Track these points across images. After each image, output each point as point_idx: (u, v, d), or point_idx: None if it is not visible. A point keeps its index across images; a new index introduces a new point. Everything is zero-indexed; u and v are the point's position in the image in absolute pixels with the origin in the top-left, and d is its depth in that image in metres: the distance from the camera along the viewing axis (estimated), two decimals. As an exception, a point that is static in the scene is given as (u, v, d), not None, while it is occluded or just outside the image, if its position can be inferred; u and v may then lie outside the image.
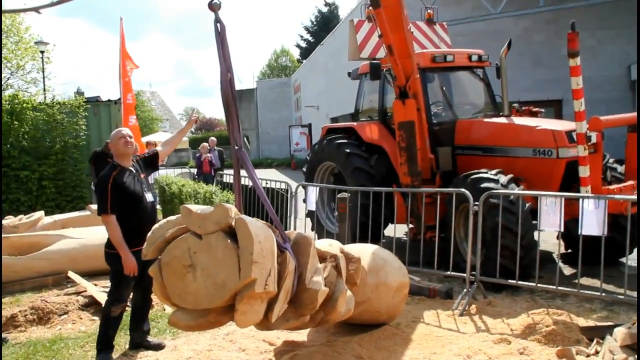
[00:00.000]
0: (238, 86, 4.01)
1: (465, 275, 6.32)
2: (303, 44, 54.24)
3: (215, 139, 16.98)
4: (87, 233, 7.87)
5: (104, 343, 4.89)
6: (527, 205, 6.47)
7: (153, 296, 6.50)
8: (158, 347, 5.12)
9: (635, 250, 7.20)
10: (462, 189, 6.54)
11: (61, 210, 11.96)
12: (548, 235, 7.22)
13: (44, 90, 20.79)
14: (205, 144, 16.29)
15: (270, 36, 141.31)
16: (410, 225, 7.71)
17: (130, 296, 5.18)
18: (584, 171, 6.30)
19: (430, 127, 7.85)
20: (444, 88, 8.50)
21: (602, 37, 16.03)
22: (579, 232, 5.75)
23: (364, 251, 5.01)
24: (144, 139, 19.41)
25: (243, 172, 4.20)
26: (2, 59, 19.39)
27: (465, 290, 6.18)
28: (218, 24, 3.98)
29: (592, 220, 5.67)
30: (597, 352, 4.32)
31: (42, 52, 23.03)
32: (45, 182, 12.41)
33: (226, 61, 3.93)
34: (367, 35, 9.27)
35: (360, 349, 4.64)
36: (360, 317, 5.02)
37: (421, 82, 7.68)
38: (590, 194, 6.11)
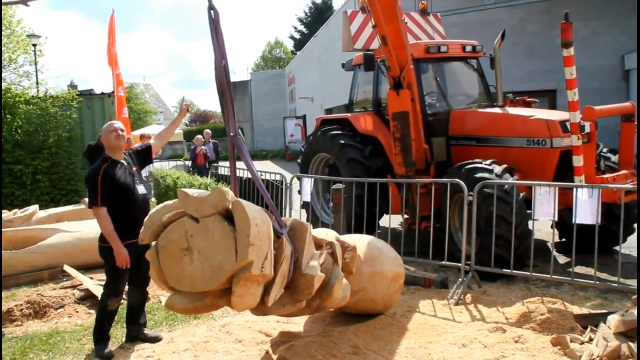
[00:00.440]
0: (232, 78, 4.02)
1: (460, 264, 6.36)
2: (297, 36, 54.10)
3: (210, 132, 16.94)
4: (82, 226, 7.86)
5: (100, 335, 4.92)
6: (522, 194, 6.50)
7: (149, 289, 6.53)
8: (155, 339, 5.13)
9: (628, 239, 7.27)
10: (457, 179, 6.56)
11: (56, 204, 11.94)
12: (542, 225, 7.25)
13: (37, 83, 20.66)
14: (199, 136, 16.25)
15: (264, 28, 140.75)
16: (405, 216, 7.73)
17: (126, 289, 5.19)
18: (577, 161, 6.33)
19: (424, 118, 7.86)
20: (438, 79, 8.50)
21: (596, 27, 16.04)
22: (573, 221, 5.79)
23: (359, 241, 5.03)
24: (138, 132, 19.39)
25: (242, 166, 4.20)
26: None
27: (460, 279, 6.22)
28: (212, 11, 3.97)
29: (586, 209, 5.71)
30: (591, 340, 4.36)
31: (34, 45, 22.87)
32: (39, 175, 12.37)
33: (220, 48, 3.93)
34: (361, 26, 9.25)
35: (357, 339, 4.67)
36: (356, 306, 5.04)
37: (415, 73, 7.68)
38: (584, 183, 6.15)
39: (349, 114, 9.17)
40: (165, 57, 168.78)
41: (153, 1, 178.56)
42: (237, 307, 3.50)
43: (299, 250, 3.84)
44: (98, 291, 5.91)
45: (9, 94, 12.54)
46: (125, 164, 4.92)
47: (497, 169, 6.72)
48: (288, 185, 8.76)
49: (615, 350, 3.86)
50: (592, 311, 5.11)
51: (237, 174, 4.50)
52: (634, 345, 3.82)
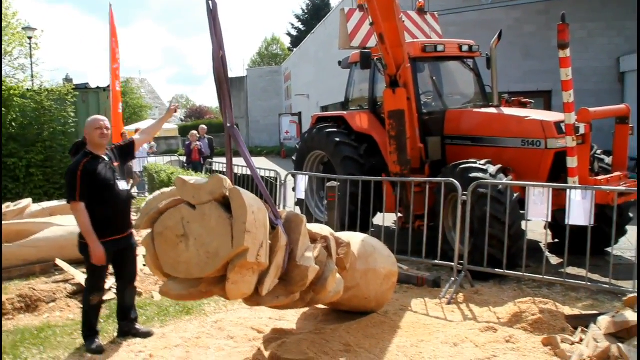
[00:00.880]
0: (228, 73, 4.00)
1: (453, 264, 6.37)
2: (294, 32, 53.97)
3: (206, 127, 16.90)
4: (75, 221, 7.80)
5: (89, 330, 4.92)
6: (515, 195, 6.51)
7: (141, 284, 6.52)
8: (146, 334, 5.13)
9: (620, 241, 7.30)
10: (451, 179, 6.57)
11: (49, 197, 11.89)
12: (535, 225, 7.28)
13: (32, 76, 20.61)
14: (194, 132, 16.21)
15: (261, 24, 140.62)
16: (399, 214, 7.74)
17: (115, 285, 5.20)
18: (572, 162, 6.35)
19: (420, 117, 7.87)
20: (434, 78, 8.51)
21: (593, 29, 16.06)
22: (566, 222, 5.81)
23: (353, 238, 5.03)
24: (133, 126, 19.31)
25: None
26: None
27: (453, 279, 6.23)
28: (210, 2, 3.95)
29: (579, 211, 5.73)
30: (581, 340, 4.38)
31: (29, 38, 22.78)
32: (33, 169, 12.32)
33: (218, 39, 3.92)
34: (358, 24, 9.25)
35: (349, 337, 4.68)
36: (349, 302, 5.05)
37: (411, 72, 7.68)
38: (578, 184, 6.17)
39: (345, 112, 9.17)
40: (161, 52, 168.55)
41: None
42: (232, 294, 3.49)
43: (294, 242, 3.86)
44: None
45: (4, 87, 12.48)
46: (107, 160, 4.87)
47: (492, 169, 6.73)
48: (282, 182, 8.76)
49: (605, 351, 3.88)
50: (583, 312, 5.13)
51: (234, 171, 4.50)
52: (623, 347, 3.84)
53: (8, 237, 7.38)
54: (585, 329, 4.49)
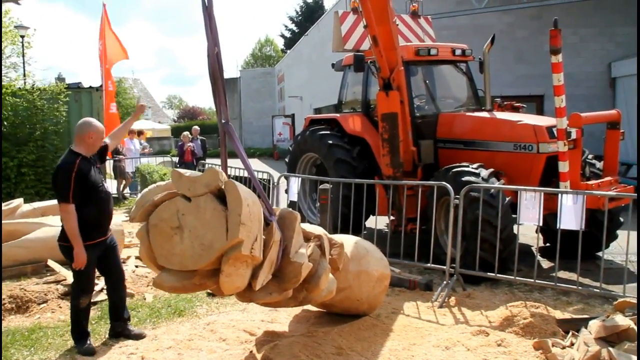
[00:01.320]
0: (223, 71, 4.02)
1: (445, 267, 6.39)
2: (287, 34, 53.95)
3: (198, 128, 16.87)
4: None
5: (79, 332, 4.91)
6: (507, 199, 6.54)
7: (134, 285, 6.50)
8: (139, 336, 5.12)
9: (610, 245, 7.35)
10: (444, 182, 6.60)
11: (41, 197, 11.80)
12: (527, 229, 7.32)
13: (24, 75, 20.47)
14: (187, 133, 16.18)
15: (254, 26, 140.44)
16: (392, 217, 7.76)
17: (105, 287, 5.20)
18: (563, 166, 6.39)
19: (412, 120, 7.89)
20: (427, 81, 8.54)
21: (585, 35, 16.15)
22: (558, 227, 5.85)
23: (347, 240, 5.05)
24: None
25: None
26: None
27: (445, 282, 6.25)
28: None
29: (571, 215, 5.77)
30: (572, 344, 4.40)
31: (22, 36, 22.65)
32: (25, 169, 12.24)
33: (213, 36, 3.92)
34: (352, 27, 9.27)
35: (341, 340, 4.68)
36: (341, 304, 5.07)
37: (405, 75, 7.70)
38: (569, 189, 6.21)
39: (338, 115, 9.18)
40: (154, 53, 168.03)
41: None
42: (225, 287, 3.49)
43: (288, 239, 3.89)
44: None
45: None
46: (92, 162, 4.87)
47: (484, 172, 6.76)
48: (275, 184, 8.76)
49: (595, 355, 3.90)
50: (574, 316, 5.16)
51: (229, 173, 4.51)
52: (614, 351, 3.87)
53: (-1, 237, 7.34)
54: (576, 333, 4.51)
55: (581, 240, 5.78)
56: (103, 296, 5.79)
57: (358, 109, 9.06)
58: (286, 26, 54.70)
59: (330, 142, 8.50)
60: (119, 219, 8.30)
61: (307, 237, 4.30)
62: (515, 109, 8.77)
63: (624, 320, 4.20)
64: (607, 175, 7.21)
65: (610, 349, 3.91)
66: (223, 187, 3.52)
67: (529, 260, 7.04)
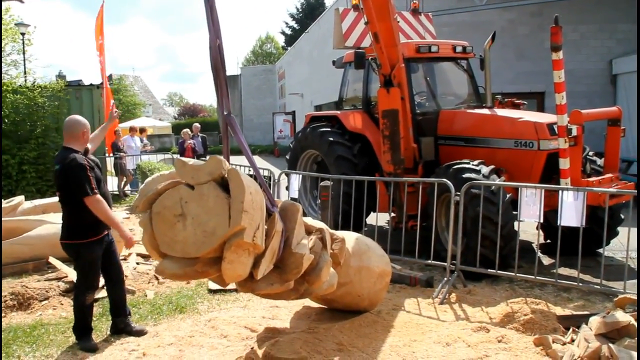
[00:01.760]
0: (225, 62, 4.03)
1: (445, 264, 6.40)
2: (288, 31, 53.93)
3: (199, 125, 16.87)
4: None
5: (83, 329, 4.93)
6: (508, 196, 6.55)
7: (135, 282, 6.51)
8: (140, 332, 5.15)
9: (611, 242, 7.36)
10: (444, 179, 6.60)
11: (42, 195, 11.83)
12: (528, 226, 7.32)
13: (25, 73, 20.48)
14: (187, 130, 16.18)
15: (255, 22, 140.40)
16: (392, 214, 7.77)
17: (105, 284, 5.25)
18: (564, 163, 6.39)
19: (413, 117, 7.89)
20: (427, 78, 8.54)
21: (585, 32, 16.13)
22: (558, 223, 5.85)
23: (348, 235, 5.06)
24: (127, 124, 19.24)
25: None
26: None
27: (445, 279, 6.26)
28: None
29: (571, 212, 5.77)
30: (572, 341, 4.42)
31: (22, 34, 22.64)
32: (26, 166, 12.26)
33: (215, 28, 3.93)
34: (353, 24, 9.26)
35: (341, 336, 4.69)
36: (342, 299, 5.08)
37: (405, 72, 7.70)
38: (570, 185, 6.21)
39: (339, 112, 9.18)
40: (155, 50, 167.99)
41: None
42: (227, 274, 3.51)
43: (290, 230, 3.90)
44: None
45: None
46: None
47: (485, 169, 6.76)
48: (276, 181, 8.77)
49: (595, 351, 3.91)
50: (575, 312, 5.17)
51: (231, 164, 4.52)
52: (614, 347, 3.88)
53: (0, 234, 7.36)
54: (577, 329, 4.52)
55: (582, 237, 5.78)
56: (104, 293, 5.80)
57: (359, 106, 9.06)
58: (287, 23, 54.72)
59: (331, 139, 8.50)
60: (119, 216, 8.31)
61: (309, 231, 4.32)
62: (516, 106, 8.77)
63: (624, 317, 4.21)
64: (607, 172, 7.21)
65: (611, 345, 3.92)
66: (226, 175, 3.55)
67: (529, 257, 7.04)
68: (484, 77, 8.66)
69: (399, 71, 7.46)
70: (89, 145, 5.22)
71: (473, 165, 6.86)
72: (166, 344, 4.84)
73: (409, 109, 7.76)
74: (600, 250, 6.52)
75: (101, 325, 5.34)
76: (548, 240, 7.80)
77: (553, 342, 4.43)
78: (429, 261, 6.75)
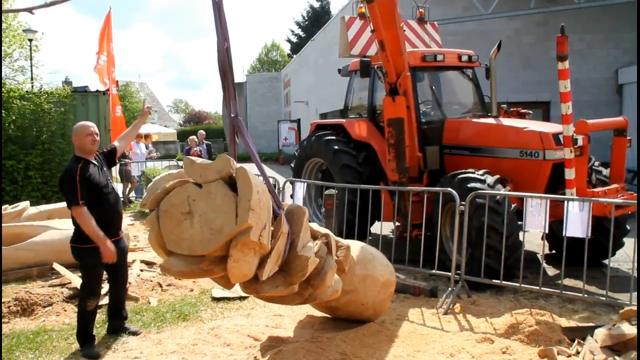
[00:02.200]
0: (232, 65, 4.05)
1: (450, 274, 6.37)
2: (294, 39, 54.11)
3: (204, 133, 16.92)
4: (72, 224, 7.80)
5: (85, 336, 4.95)
6: (513, 206, 6.52)
7: (138, 289, 6.51)
8: (135, 333, 5.24)
9: (617, 253, 7.32)
10: (449, 189, 6.58)
11: (47, 200, 11.85)
12: (533, 236, 7.29)
13: (32, 79, 20.59)
14: (194, 137, 16.23)
15: (261, 30, 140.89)
16: (397, 223, 7.74)
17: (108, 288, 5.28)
18: (569, 173, 6.36)
19: (419, 126, 7.89)
20: (433, 87, 8.54)
21: (591, 41, 16.14)
22: (563, 234, 5.82)
23: (353, 244, 5.05)
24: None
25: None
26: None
27: (450, 289, 6.23)
28: None
29: (577, 222, 5.74)
30: (578, 353, 4.38)
31: (30, 40, 22.79)
32: (31, 172, 12.29)
33: (223, 31, 3.96)
34: (358, 32, 9.28)
35: (345, 346, 4.67)
36: (346, 307, 5.06)
37: (411, 81, 7.70)
38: (576, 196, 6.18)
39: (344, 120, 9.18)
40: (161, 56, 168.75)
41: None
42: (233, 273, 3.51)
43: (296, 233, 3.92)
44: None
45: (4, 89, 12.46)
46: (97, 164, 4.99)
47: (490, 179, 6.75)
48: (281, 189, 8.76)
49: (601, 364, 3.88)
50: (580, 324, 5.14)
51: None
52: (620, 360, 3.85)
53: (5, 240, 7.37)
54: (582, 341, 4.49)
55: (587, 247, 5.75)
56: (108, 300, 5.81)
57: (364, 114, 9.06)
58: (292, 31, 54.92)
59: (336, 147, 8.50)
60: (124, 222, 8.32)
61: (315, 236, 4.34)
62: (522, 115, 8.76)
63: (630, 329, 4.17)
64: (613, 183, 7.18)
65: (617, 357, 3.89)
66: (234, 174, 3.56)
67: (534, 268, 7.01)
68: (490, 86, 8.65)
69: (405, 80, 7.46)
70: (116, 143, 5.42)
71: (478, 174, 6.84)
72: (169, 352, 4.83)
73: (415, 117, 7.76)
74: (606, 262, 6.49)
75: (104, 332, 5.33)
76: (553, 251, 7.76)
77: (558, 354, 4.39)
78: (433, 271, 6.72)
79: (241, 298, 6.37)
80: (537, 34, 16.05)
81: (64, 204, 9.83)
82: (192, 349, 4.85)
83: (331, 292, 4.30)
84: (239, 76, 56.31)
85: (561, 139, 6.58)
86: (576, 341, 4.60)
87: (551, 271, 7.46)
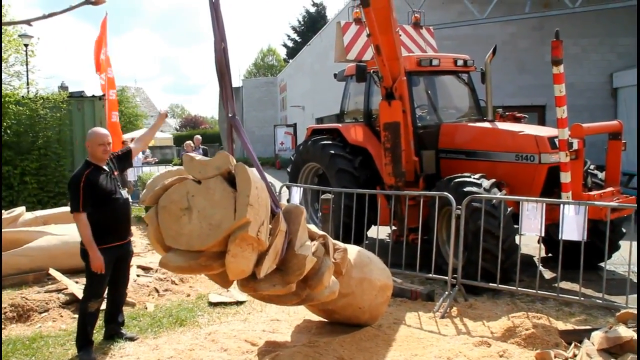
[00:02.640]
0: (230, 65, 4.08)
1: (446, 277, 6.38)
2: (290, 44, 54.15)
3: (200, 137, 16.92)
4: (68, 230, 7.77)
5: (84, 339, 4.93)
6: (509, 209, 6.54)
7: (135, 295, 6.50)
8: (131, 339, 5.24)
9: (613, 255, 7.34)
10: (445, 193, 6.59)
11: (43, 206, 11.83)
12: (529, 239, 7.30)
13: (28, 84, 20.54)
14: (190, 142, 16.22)
15: (257, 35, 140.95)
16: (393, 228, 7.75)
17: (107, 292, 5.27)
18: (565, 177, 6.39)
19: (415, 130, 7.91)
20: (429, 92, 8.56)
21: (586, 45, 16.22)
22: (560, 237, 5.84)
23: (350, 247, 5.05)
24: (129, 135, 19.27)
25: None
26: None
27: (446, 292, 6.24)
28: None
29: (573, 226, 5.76)
30: (574, 356, 4.38)
31: (25, 45, 22.74)
32: (27, 177, 12.25)
33: (220, 31, 3.97)
34: (354, 37, 9.31)
35: (342, 350, 4.67)
36: (343, 311, 5.06)
37: (407, 85, 7.72)
38: (571, 199, 6.20)
39: (340, 125, 9.20)
40: (157, 61, 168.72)
41: (145, 4, 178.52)
42: (231, 268, 3.51)
43: (293, 232, 3.93)
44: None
45: (-1, 94, 12.43)
46: (107, 170, 5.05)
47: (486, 183, 6.76)
48: (277, 193, 8.76)
49: (598, 367, 3.89)
50: (577, 327, 5.14)
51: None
52: (616, 363, 3.85)
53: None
54: (579, 344, 4.50)
55: (583, 250, 5.77)
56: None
57: (360, 119, 9.08)
58: (288, 36, 54.97)
59: (332, 152, 8.51)
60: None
61: (312, 237, 4.35)
62: (517, 120, 8.79)
63: (626, 332, 4.18)
64: (609, 186, 7.21)
65: (613, 360, 3.90)
66: (233, 170, 3.57)
67: (531, 271, 7.02)
68: (485, 91, 8.68)
69: (401, 84, 7.48)
70: (131, 145, 5.51)
71: (474, 178, 6.86)
72: (166, 357, 4.82)
73: (410, 122, 7.78)
74: (602, 264, 6.51)
75: (100, 337, 5.32)
76: (549, 254, 7.78)
77: (555, 357, 4.40)
78: (430, 275, 6.73)
79: (238, 303, 6.37)
80: (532, 38, 16.11)
81: (60, 210, 9.87)
82: (189, 355, 4.84)
83: (328, 293, 4.31)
84: (235, 81, 56.33)
85: (557, 143, 6.61)
86: (573, 344, 4.61)
87: (548, 274, 7.47)
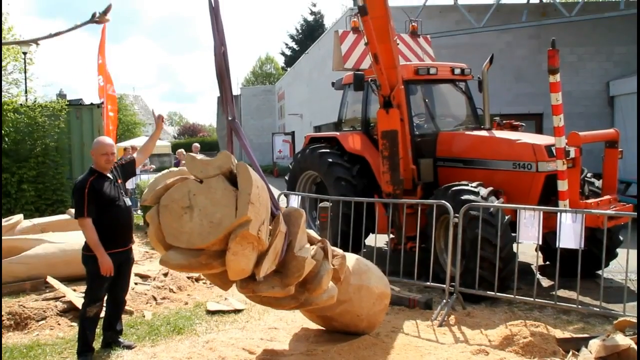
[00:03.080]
0: (229, 69, 4.11)
1: (444, 286, 6.38)
2: (288, 52, 54.31)
3: (198, 145, 16.95)
4: (66, 238, 7.78)
5: (84, 345, 4.96)
6: (507, 217, 6.55)
7: (133, 303, 6.49)
8: (128, 347, 5.24)
9: (610, 263, 7.35)
10: (443, 201, 6.61)
11: (41, 213, 11.80)
12: (527, 248, 7.31)
13: (26, 92, 20.53)
14: (182, 150, 16.28)
15: (255, 43, 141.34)
16: (391, 236, 7.76)
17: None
18: (562, 185, 6.41)
19: (412, 138, 7.92)
20: (426, 100, 8.59)
21: (582, 54, 16.31)
22: (557, 245, 5.85)
23: (348, 255, 5.06)
24: (127, 143, 19.30)
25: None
26: None
27: (444, 300, 6.24)
28: None
29: (570, 234, 5.78)
30: (572, 364, 4.39)
31: (24, 53, 22.76)
32: (25, 185, 12.23)
33: (220, 35, 4.01)
34: (352, 46, 9.34)
35: (340, 358, 4.67)
36: (341, 318, 5.06)
37: (404, 94, 7.75)
38: (568, 207, 6.22)
39: (338, 133, 9.21)
40: (155, 69, 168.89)
41: (143, 13, 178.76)
42: (231, 266, 3.52)
43: (293, 234, 3.96)
44: (81, 303, 5.86)
45: (-3, 102, 12.43)
46: (111, 177, 5.11)
47: (483, 191, 6.78)
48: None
49: (596, 375, 3.89)
50: (574, 335, 5.15)
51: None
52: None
53: (-2, 253, 7.33)
54: (577, 353, 4.50)
55: (581, 258, 5.78)
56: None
57: (358, 127, 9.10)
58: (287, 44, 55.13)
59: (330, 160, 8.52)
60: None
61: (311, 241, 4.37)
62: (514, 128, 8.81)
63: (624, 340, 4.20)
64: (606, 194, 7.23)
65: (611, 368, 3.90)
66: (235, 169, 3.60)
67: (528, 279, 7.03)
68: (483, 99, 8.71)
69: (399, 92, 7.51)
70: (135, 155, 5.62)
71: (472, 187, 6.87)
72: (163, 365, 4.81)
73: (408, 130, 7.80)
74: (600, 272, 6.51)
75: (98, 345, 5.30)
76: (547, 262, 7.79)
77: (553, 365, 4.41)
78: (428, 283, 6.73)
79: (236, 311, 6.36)
80: (529, 47, 16.20)
81: (57, 217, 9.85)
82: (186, 363, 4.83)
83: (326, 297, 4.31)
84: (233, 89, 56.35)
85: (554, 151, 6.64)
86: (570, 352, 4.61)
87: (545, 282, 7.48)
